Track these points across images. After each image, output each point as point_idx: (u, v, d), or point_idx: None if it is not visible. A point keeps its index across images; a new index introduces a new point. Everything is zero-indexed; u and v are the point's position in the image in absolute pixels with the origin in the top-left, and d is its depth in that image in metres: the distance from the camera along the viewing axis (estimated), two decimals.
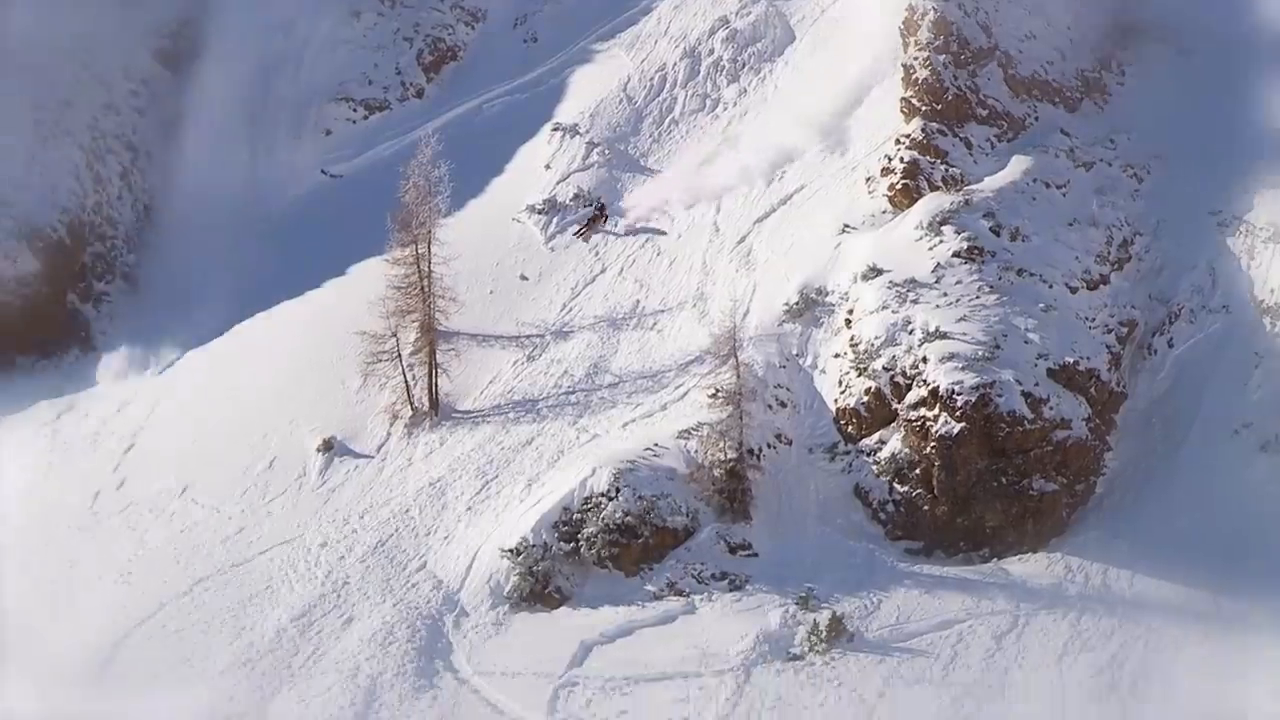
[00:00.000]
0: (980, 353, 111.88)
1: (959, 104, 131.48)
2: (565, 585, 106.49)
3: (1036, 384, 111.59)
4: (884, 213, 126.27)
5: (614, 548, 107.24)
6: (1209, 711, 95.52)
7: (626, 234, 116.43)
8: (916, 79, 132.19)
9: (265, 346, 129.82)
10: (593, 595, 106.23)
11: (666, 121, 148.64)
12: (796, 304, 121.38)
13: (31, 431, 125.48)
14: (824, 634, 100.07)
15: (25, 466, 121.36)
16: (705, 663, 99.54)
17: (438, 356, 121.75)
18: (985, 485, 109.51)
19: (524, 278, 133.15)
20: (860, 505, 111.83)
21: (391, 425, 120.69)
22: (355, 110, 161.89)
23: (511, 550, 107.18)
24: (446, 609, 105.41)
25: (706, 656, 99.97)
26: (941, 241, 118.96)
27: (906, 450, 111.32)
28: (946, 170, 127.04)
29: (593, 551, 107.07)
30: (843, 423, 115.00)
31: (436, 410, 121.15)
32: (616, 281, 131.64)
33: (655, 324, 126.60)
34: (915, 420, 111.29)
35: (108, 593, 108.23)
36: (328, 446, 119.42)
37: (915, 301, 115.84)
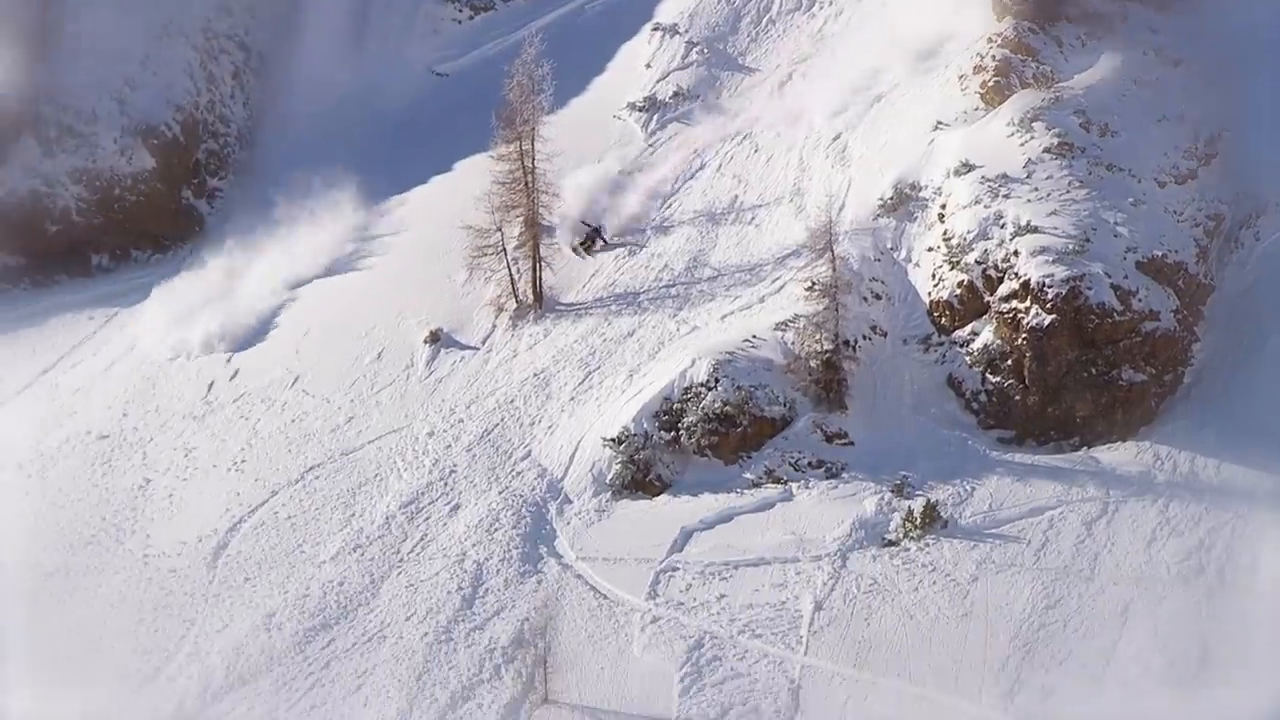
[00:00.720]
0: (1070, 246, 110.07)
1: (1050, 3, 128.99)
2: (665, 473, 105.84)
3: (1125, 276, 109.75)
4: (976, 110, 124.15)
5: (713, 436, 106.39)
6: None
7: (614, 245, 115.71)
8: None
9: (373, 241, 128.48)
10: (692, 483, 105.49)
11: (764, 21, 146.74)
12: (891, 199, 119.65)
13: (144, 319, 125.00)
14: (918, 521, 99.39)
15: (143, 358, 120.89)
16: (802, 548, 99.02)
17: (541, 250, 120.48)
18: (1075, 375, 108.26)
19: (622, 173, 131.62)
20: (953, 395, 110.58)
21: (496, 318, 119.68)
22: (461, 10, 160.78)
23: (613, 439, 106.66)
24: (550, 496, 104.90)
25: (804, 542, 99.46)
26: (1033, 138, 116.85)
27: (998, 341, 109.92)
28: (1038, 68, 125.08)
29: (692, 440, 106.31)
30: (936, 315, 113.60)
31: (540, 303, 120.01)
32: (715, 178, 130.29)
33: (753, 219, 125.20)
34: (1007, 312, 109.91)
35: (222, 481, 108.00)
36: (434, 338, 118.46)
37: (1007, 196, 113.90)
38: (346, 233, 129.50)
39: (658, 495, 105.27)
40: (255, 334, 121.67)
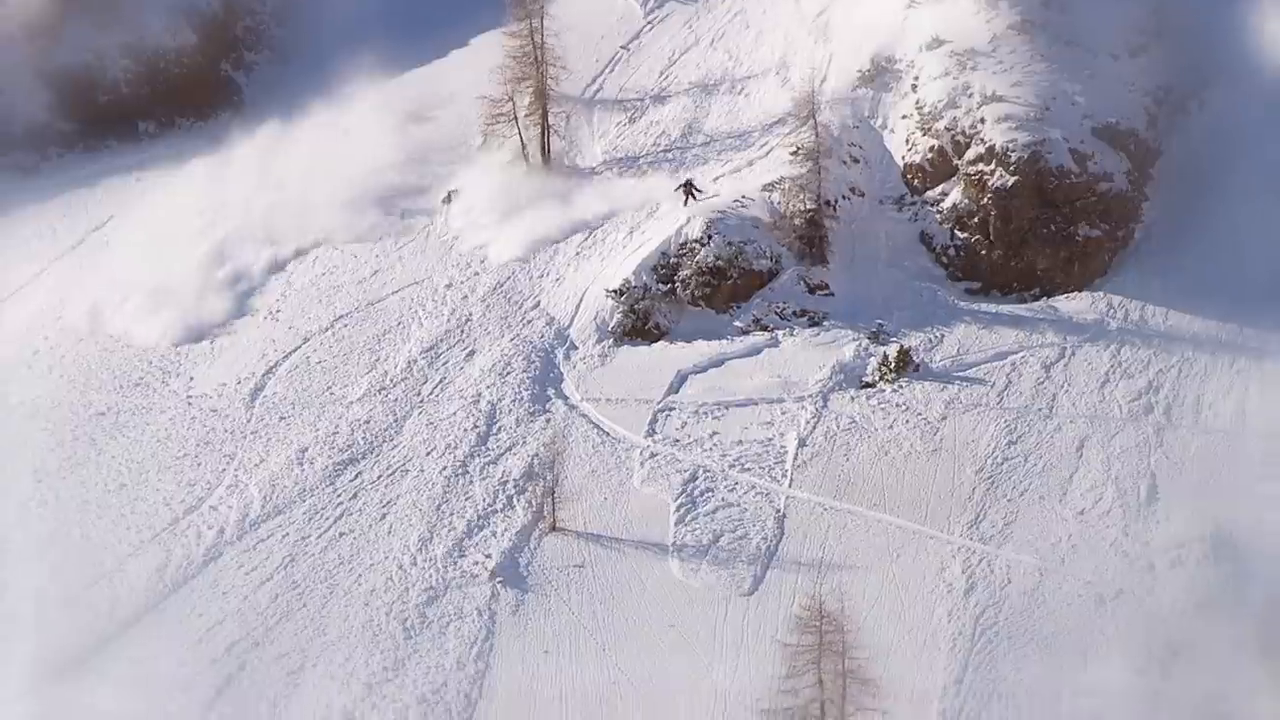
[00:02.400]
0: (1032, 114, 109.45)
1: None
2: (663, 322, 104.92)
3: (1082, 142, 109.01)
4: None
5: (706, 288, 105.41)
6: (1235, 429, 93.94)
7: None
8: None
9: (395, 109, 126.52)
10: (687, 330, 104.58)
11: None
12: (868, 71, 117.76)
13: (186, 183, 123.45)
14: (893, 365, 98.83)
15: (183, 214, 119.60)
16: (787, 390, 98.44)
17: (549, 118, 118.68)
18: (1036, 232, 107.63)
19: (624, 49, 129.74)
20: (924, 250, 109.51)
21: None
22: None
23: (615, 291, 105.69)
24: (558, 343, 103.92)
25: (788, 385, 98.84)
26: (997, 15, 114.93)
27: (966, 201, 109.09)
28: None
29: (687, 291, 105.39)
30: (909, 177, 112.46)
31: (549, 166, 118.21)
32: (708, 52, 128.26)
33: (742, 89, 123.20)
34: (974, 174, 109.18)
35: (259, 328, 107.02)
36: (452, 198, 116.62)
37: (974, 69, 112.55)
38: (371, 106, 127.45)
39: (655, 342, 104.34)
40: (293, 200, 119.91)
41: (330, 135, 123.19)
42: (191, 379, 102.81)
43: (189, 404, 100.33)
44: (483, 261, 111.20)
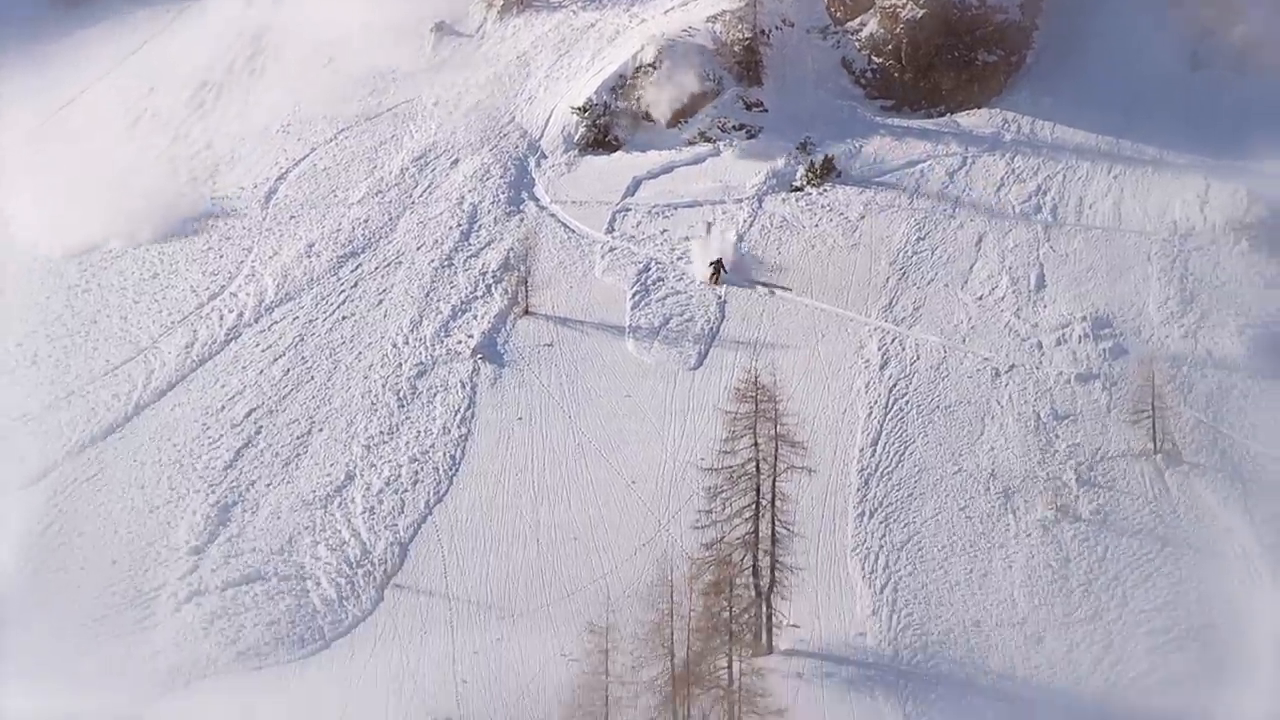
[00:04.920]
0: None
1: None
2: (621, 135, 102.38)
3: None
4: None
5: (657, 105, 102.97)
6: (1112, 226, 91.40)
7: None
8: None
9: None
10: (641, 142, 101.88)
11: None
12: None
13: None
14: (818, 171, 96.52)
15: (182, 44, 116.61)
16: (728, 193, 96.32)
17: None
18: (941, 57, 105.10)
19: None
20: (846, 73, 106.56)
21: (488, 11, 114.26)
22: None
23: (580, 108, 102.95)
24: (530, 153, 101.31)
25: (728, 188, 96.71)
26: None
27: (882, 31, 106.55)
28: None
29: (642, 108, 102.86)
30: (833, 9, 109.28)
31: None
32: None
33: None
34: (888, 7, 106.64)
35: (272, 141, 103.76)
36: (439, 28, 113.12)
37: None
38: None
39: (614, 152, 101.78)
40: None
41: None
42: (214, 182, 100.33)
43: (213, 203, 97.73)
44: (465, 83, 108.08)
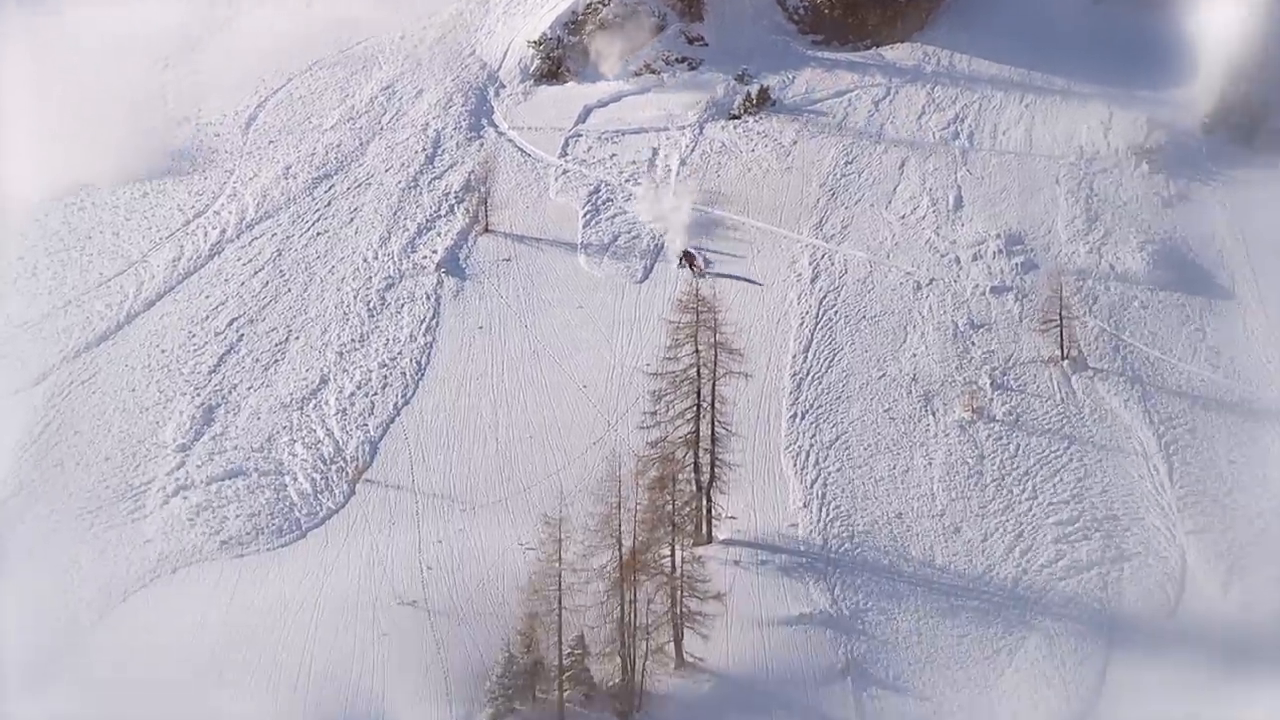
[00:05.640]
0: None
1: None
2: (573, 66, 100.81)
3: None
4: None
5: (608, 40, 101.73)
6: (1023, 151, 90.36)
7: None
8: None
9: None
10: (591, 73, 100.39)
11: None
12: None
13: None
14: (754, 100, 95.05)
15: None
16: (671, 120, 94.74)
17: None
18: None
19: None
20: (780, 10, 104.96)
21: None
22: None
23: (535, 42, 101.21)
24: (489, 83, 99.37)
25: (671, 116, 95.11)
26: None
27: None
28: None
29: (592, 43, 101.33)
30: None
31: None
32: None
33: None
34: None
35: (249, 69, 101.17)
36: None
37: None
38: None
39: (567, 83, 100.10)
40: None
41: None
42: (199, 109, 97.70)
43: (198, 129, 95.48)
44: (430, 17, 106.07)
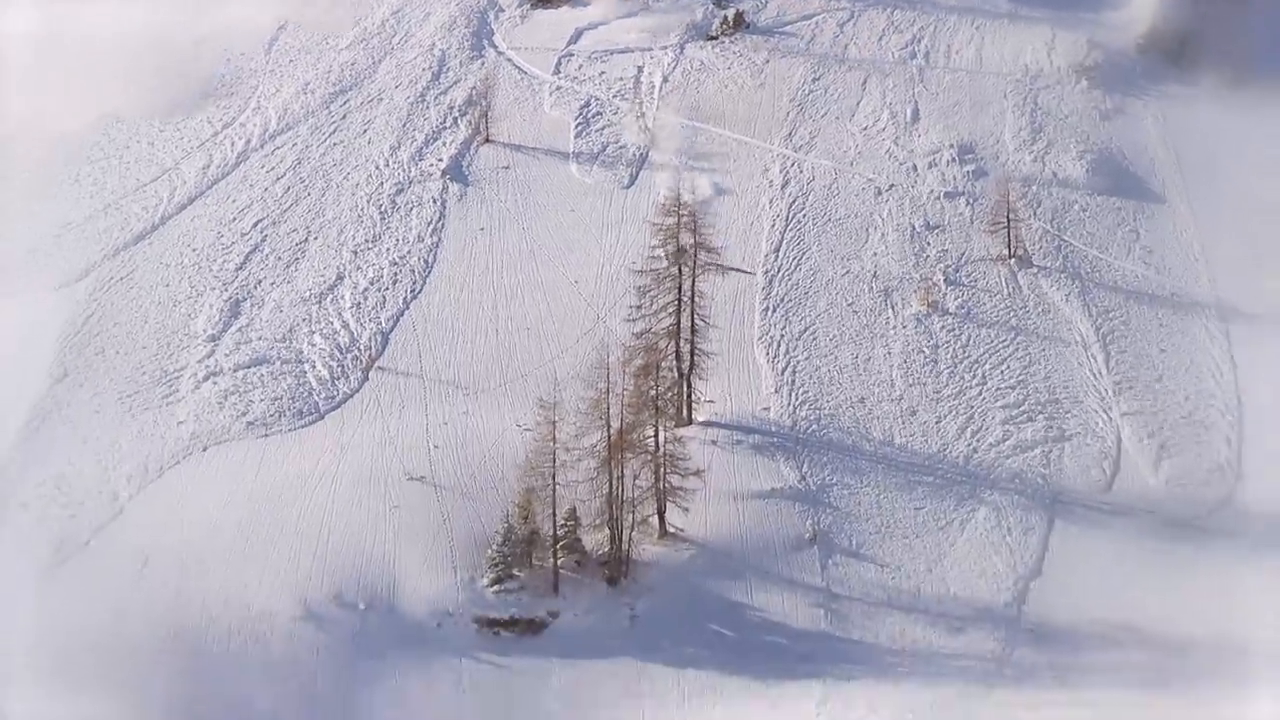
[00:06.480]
0: None
1: None
2: None
3: None
4: None
5: None
6: (974, 69, 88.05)
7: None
8: None
9: None
10: None
11: None
12: None
13: None
14: (731, 23, 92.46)
15: None
16: (655, 42, 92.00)
17: None
18: None
19: None
20: None
21: None
22: None
23: None
24: (490, 6, 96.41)
25: (655, 38, 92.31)
26: None
27: None
28: None
29: None
30: None
31: None
32: None
33: None
34: None
35: None
36: None
37: None
38: None
39: (560, 7, 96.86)
40: None
41: None
42: (224, 35, 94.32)
43: (225, 49, 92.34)
44: None
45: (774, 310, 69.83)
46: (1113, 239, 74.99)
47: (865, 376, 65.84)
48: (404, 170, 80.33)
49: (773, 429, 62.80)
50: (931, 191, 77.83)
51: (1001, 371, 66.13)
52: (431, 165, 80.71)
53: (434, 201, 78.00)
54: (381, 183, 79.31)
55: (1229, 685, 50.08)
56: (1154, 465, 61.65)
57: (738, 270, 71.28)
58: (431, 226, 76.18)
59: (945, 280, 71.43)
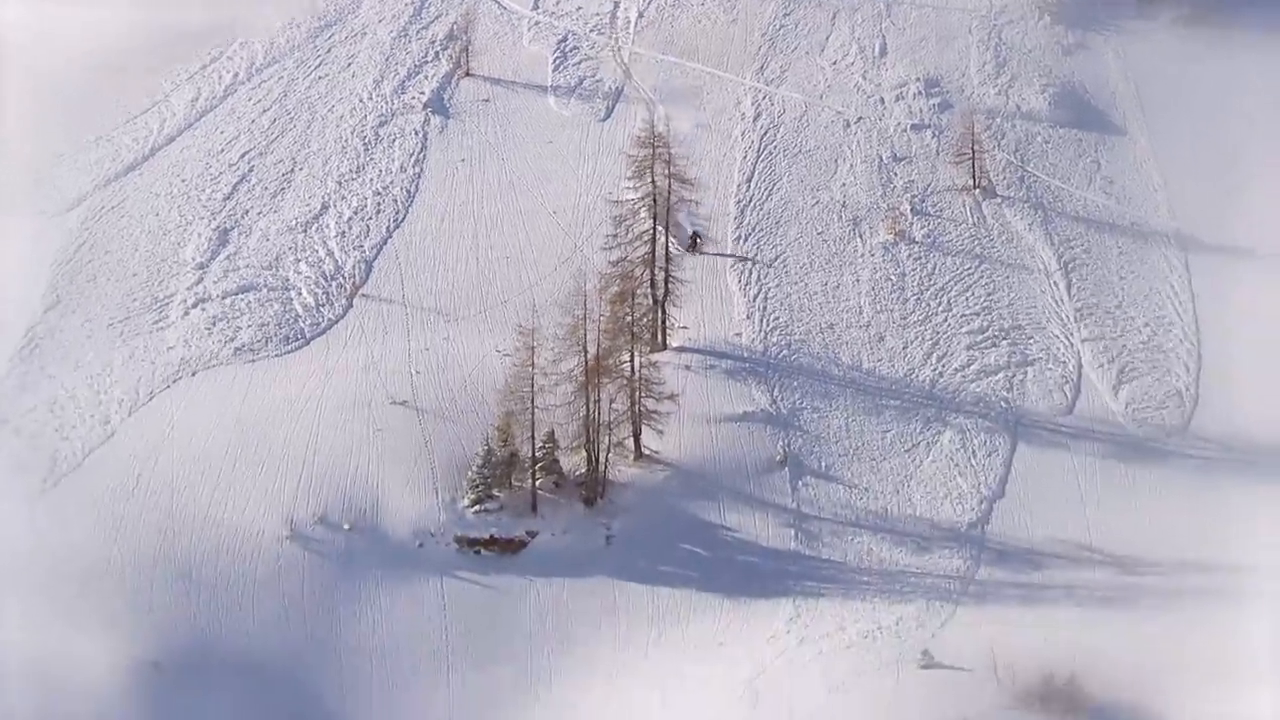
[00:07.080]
0: None
1: None
2: None
3: None
4: None
5: None
6: (941, 5, 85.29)
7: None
8: None
9: None
10: None
11: None
12: None
13: None
14: None
15: None
16: None
17: None
18: None
19: None
20: None
21: None
22: None
23: None
24: None
25: None
26: None
27: None
28: None
29: None
30: None
31: None
32: None
33: None
34: None
35: None
36: None
37: None
38: None
39: None
40: None
41: None
42: None
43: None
44: None
45: (746, 239, 68.12)
46: (1074, 170, 73.45)
47: (834, 303, 64.33)
48: (387, 103, 78.06)
49: (745, 354, 61.32)
50: (899, 124, 76.01)
51: (966, 298, 64.67)
52: (413, 98, 78.46)
53: (416, 133, 75.82)
54: (365, 115, 77.02)
55: (1188, 602, 49.15)
56: (1114, 390, 60.45)
57: (740, 258, 68.50)
58: (414, 157, 74.08)
59: (912, 210, 69.80)
